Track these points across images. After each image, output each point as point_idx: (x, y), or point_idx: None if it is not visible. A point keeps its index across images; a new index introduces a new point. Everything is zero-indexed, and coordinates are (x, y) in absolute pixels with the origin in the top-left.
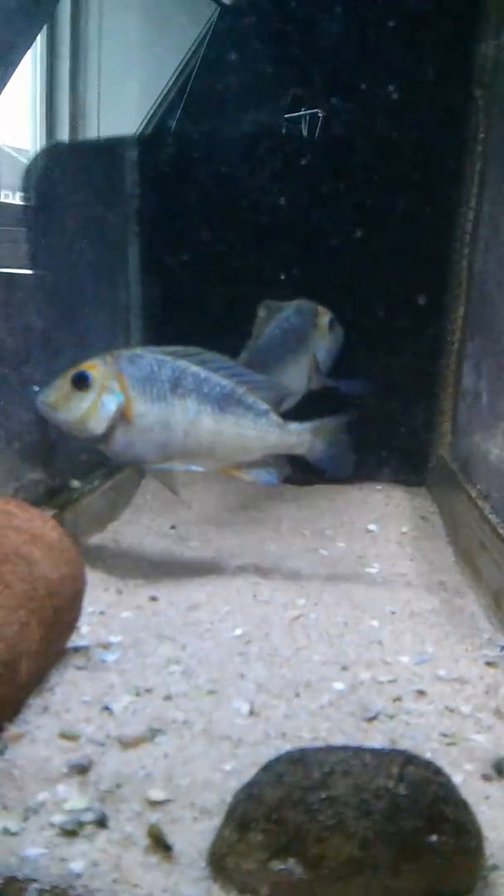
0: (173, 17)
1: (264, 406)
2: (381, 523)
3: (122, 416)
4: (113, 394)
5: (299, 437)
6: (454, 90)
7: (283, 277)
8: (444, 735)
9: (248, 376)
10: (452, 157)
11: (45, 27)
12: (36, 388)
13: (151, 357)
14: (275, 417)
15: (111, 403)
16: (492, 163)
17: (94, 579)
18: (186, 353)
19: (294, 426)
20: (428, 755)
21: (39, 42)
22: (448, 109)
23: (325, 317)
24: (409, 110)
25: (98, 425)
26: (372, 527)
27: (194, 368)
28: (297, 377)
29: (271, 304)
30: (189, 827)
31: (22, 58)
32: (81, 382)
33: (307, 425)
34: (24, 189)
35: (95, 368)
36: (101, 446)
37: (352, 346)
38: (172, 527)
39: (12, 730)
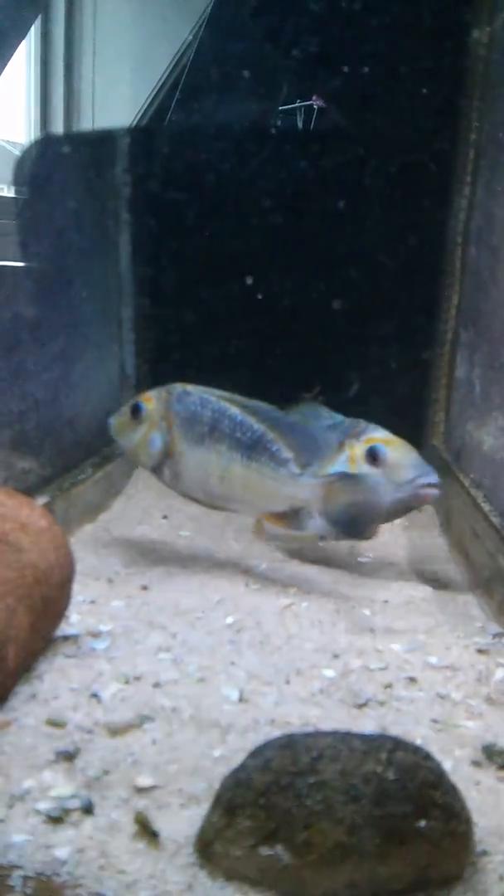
0: (168, 7)
1: (286, 455)
2: None
3: (168, 454)
4: (160, 431)
5: (309, 491)
6: (448, 78)
7: (272, 270)
8: (435, 721)
9: (286, 422)
10: (446, 147)
11: (39, 18)
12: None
13: (197, 396)
14: (293, 467)
15: (158, 440)
16: (486, 152)
17: (85, 568)
18: (232, 399)
19: (307, 479)
20: (418, 741)
21: (33, 33)
22: (442, 98)
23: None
24: (403, 99)
25: (146, 459)
26: None
27: (232, 411)
28: None
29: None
30: (176, 813)
31: (16, 49)
32: (136, 414)
33: (321, 480)
34: (16, 181)
35: (150, 402)
36: (156, 476)
37: (346, 337)
38: (164, 516)
39: None
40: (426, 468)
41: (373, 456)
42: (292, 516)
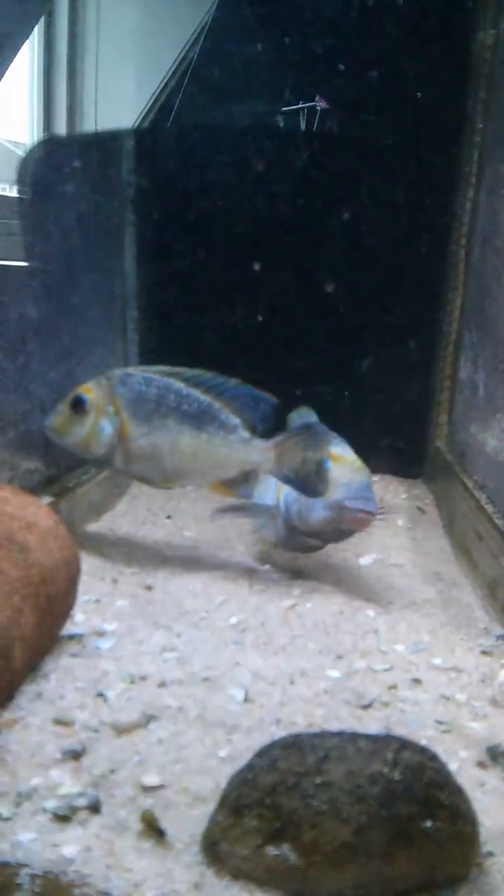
0: (172, 7)
1: (235, 421)
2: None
3: (119, 438)
4: (108, 416)
5: (261, 453)
6: (452, 81)
7: (278, 268)
8: (440, 723)
9: (230, 388)
10: (450, 148)
11: (42, 19)
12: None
13: (140, 376)
14: (242, 433)
15: (107, 426)
16: (490, 154)
17: (90, 568)
18: (173, 372)
19: (258, 442)
20: (423, 742)
21: (37, 34)
22: (446, 100)
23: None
24: (407, 101)
25: (98, 448)
26: None
27: (177, 385)
28: None
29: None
30: (183, 812)
31: (19, 49)
32: (79, 407)
33: (270, 442)
34: (20, 181)
35: (91, 392)
36: (106, 465)
37: (350, 339)
38: (168, 516)
39: (6, 716)
40: (365, 494)
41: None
42: (241, 482)
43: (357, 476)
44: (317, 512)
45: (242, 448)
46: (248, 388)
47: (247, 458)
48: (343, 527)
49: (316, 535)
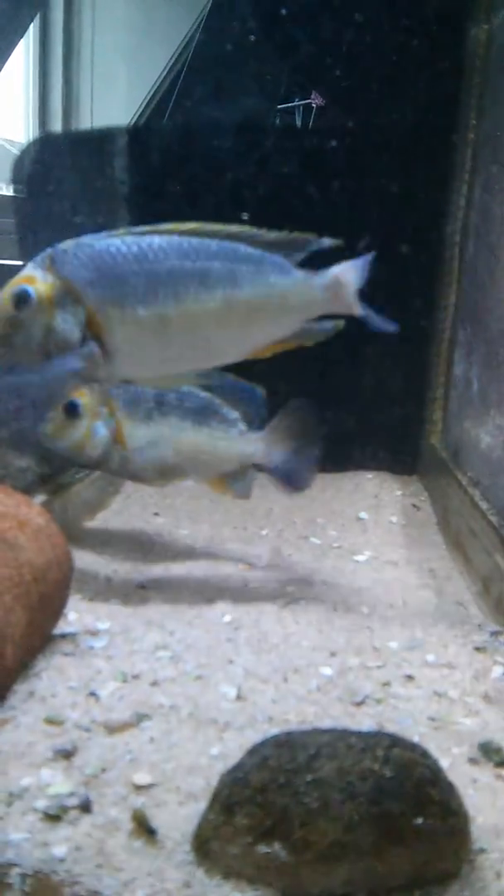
0: (167, 5)
1: (234, 414)
2: (371, 511)
3: (115, 440)
4: (103, 418)
5: (254, 444)
6: (446, 76)
7: None
8: (433, 719)
9: (226, 383)
10: (444, 145)
11: (37, 17)
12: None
13: None
14: (241, 426)
15: (102, 428)
16: (483, 149)
17: (83, 566)
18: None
19: (251, 434)
20: (416, 739)
21: (32, 32)
22: (439, 95)
23: None
24: (401, 96)
25: (93, 451)
26: (363, 515)
27: None
28: None
29: None
30: (174, 811)
31: (14, 48)
32: (72, 411)
33: (261, 433)
34: (15, 180)
35: (84, 395)
36: (102, 467)
37: (343, 337)
38: (155, 513)
39: None
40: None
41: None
42: (238, 476)
43: None
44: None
45: (242, 441)
46: (239, 382)
47: (247, 451)
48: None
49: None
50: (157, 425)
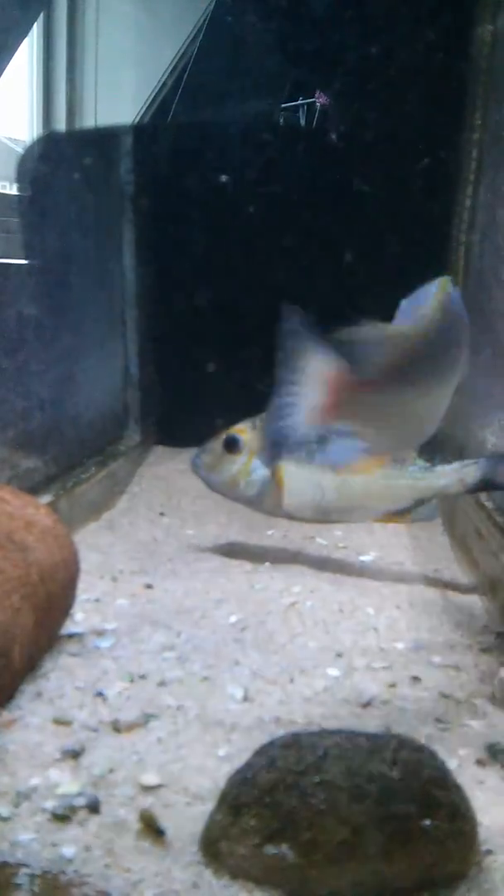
0: (171, 4)
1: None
2: None
3: (274, 480)
4: (262, 458)
5: (447, 478)
6: (451, 77)
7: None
8: (439, 721)
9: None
10: (449, 146)
11: (41, 15)
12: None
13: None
14: (420, 463)
15: (260, 467)
16: (489, 151)
17: (90, 567)
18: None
19: (440, 468)
20: (422, 740)
21: (36, 30)
22: (445, 97)
23: None
24: (405, 98)
25: (250, 489)
26: None
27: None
28: None
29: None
30: (182, 812)
31: (18, 46)
32: (232, 446)
33: (454, 466)
34: (19, 179)
35: (245, 433)
36: (254, 506)
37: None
38: (162, 514)
39: (5, 715)
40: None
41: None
42: (416, 509)
43: None
44: None
45: (427, 477)
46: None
47: (431, 486)
48: None
49: None
50: (320, 468)
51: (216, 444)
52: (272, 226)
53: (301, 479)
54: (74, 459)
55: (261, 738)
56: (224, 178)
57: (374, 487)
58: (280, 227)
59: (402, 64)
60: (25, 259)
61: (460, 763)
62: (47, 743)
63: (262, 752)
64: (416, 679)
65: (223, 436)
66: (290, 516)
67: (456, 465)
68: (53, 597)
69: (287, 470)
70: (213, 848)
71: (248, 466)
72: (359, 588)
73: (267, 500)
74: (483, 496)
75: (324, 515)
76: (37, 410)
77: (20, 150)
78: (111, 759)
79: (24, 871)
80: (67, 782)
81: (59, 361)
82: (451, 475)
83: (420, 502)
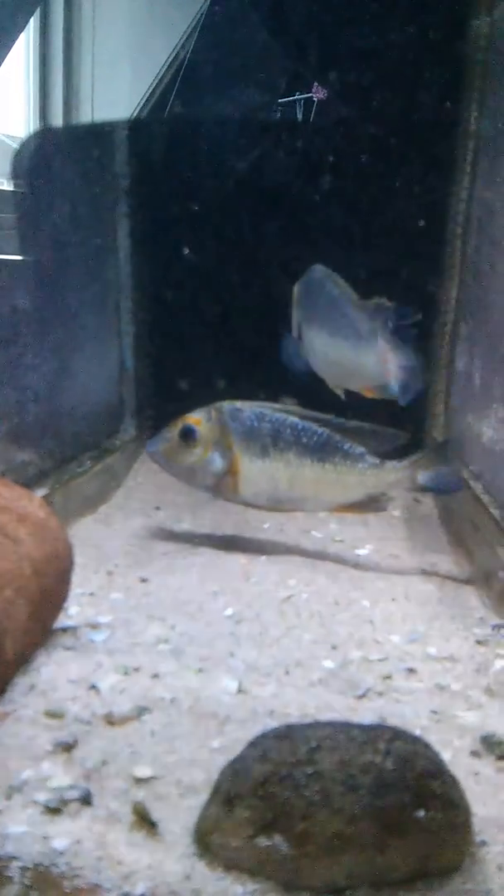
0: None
1: (360, 449)
2: None
3: (230, 471)
4: (219, 449)
5: (398, 474)
6: (447, 68)
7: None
8: (434, 712)
9: (344, 424)
10: (446, 138)
11: (37, 10)
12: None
13: (250, 411)
14: (371, 459)
15: (217, 459)
16: (486, 143)
17: (85, 560)
18: (286, 410)
19: (391, 464)
20: (418, 732)
21: (32, 26)
22: (442, 89)
23: None
24: (402, 89)
25: (206, 478)
26: None
27: (291, 420)
28: None
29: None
30: (175, 804)
31: (14, 43)
32: (188, 436)
33: (405, 462)
34: (15, 174)
35: (201, 424)
36: (210, 492)
37: None
38: (157, 507)
39: None
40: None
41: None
42: (370, 502)
43: None
44: None
45: (374, 473)
46: (369, 426)
47: (382, 481)
48: None
49: None
50: (273, 460)
51: (173, 433)
52: (268, 219)
53: (256, 471)
54: (69, 453)
55: (255, 730)
56: (220, 171)
57: (325, 480)
58: (276, 220)
59: (397, 56)
60: (20, 254)
61: (455, 754)
62: (40, 736)
63: (255, 743)
64: (411, 671)
65: (179, 425)
66: (246, 503)
67: (406, 461)
68: (47, 590)
69: (242, 462)
70: (207, 840)
71: (205, 458)
72: (354, 581)
73: (224, 489)
74: (480, 488)
75: (277, 504)
76: (31, 404)
77: (16, 145)
78: (104, 751)
79: (15, 863)
80: (60, 775)
81: (54, 355)
82: (401, 472)
83: (372, 496)
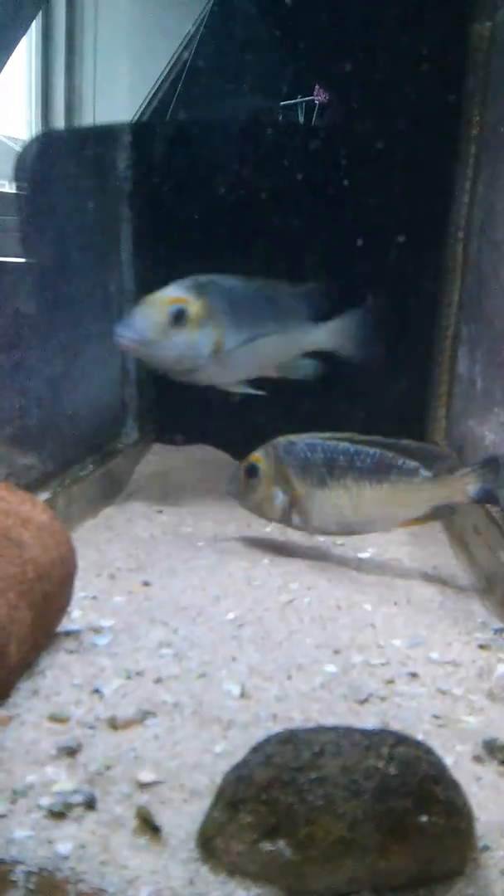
0: (169, 1)
1: (413, 464)
2: None
3: (292, 502)
4: (278, 484)
5: (452, 485)
6: (449, 72)
7: (275, 262)
8: (436, 717)
9: (395, 444)
10: (447, 141)
11: (40, 13)
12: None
13: (303, 443)
14: (425, 472)
15: (279, 493)
16: (487, 146)
17: (87, 564)
18: (337, 438)
19: (446, 477)
20: (420, 737)
21: (34, 28)
22: (443, 92)
23: None
24: (403, 94)
25: (272, 512)
26: None
27: (343, 445)
28: None
29: None
30: (178, 808)
31: (16, 44)
32: (252, 474)
33: (458, 473)
34: (17, 177)
35: (261, 461)
36: (284, 524)
37: None
38: (159, 511)
39: (1, 713)
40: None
41: None
42: (435, 513)
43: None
44: None
45: (431, 486)
46: (416, 445)
47: (438, 495)
48: None
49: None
50: (332, 488)
51: (240, 472)
52: (270, 222)
53: (318, 500)
54: (72, 457)
55: (258, 735)
56: (222, 174)
57: (385, 499)
58: (278, 223)
59: (399, 59)
60: (23, 257)
61: (457, 759)
62: (43, 740)
63: (258, 748)
64: (413, 675)
65: (245, 464)
66: (318, 532)
67: (459, 472)
68: (50, 594)
69: (303, 493)
70: (210, 844)
71: (269, 493)
72: (357, 585)
73: (293, 520)
74: None
75: (348, 529)
76: (34, 407)
77: (18, 148)
78: (108, 755)
79: (19, 868)
80: (64, 779)
81: (56, 358)
82: (455, 484)
83: (437, 509)
